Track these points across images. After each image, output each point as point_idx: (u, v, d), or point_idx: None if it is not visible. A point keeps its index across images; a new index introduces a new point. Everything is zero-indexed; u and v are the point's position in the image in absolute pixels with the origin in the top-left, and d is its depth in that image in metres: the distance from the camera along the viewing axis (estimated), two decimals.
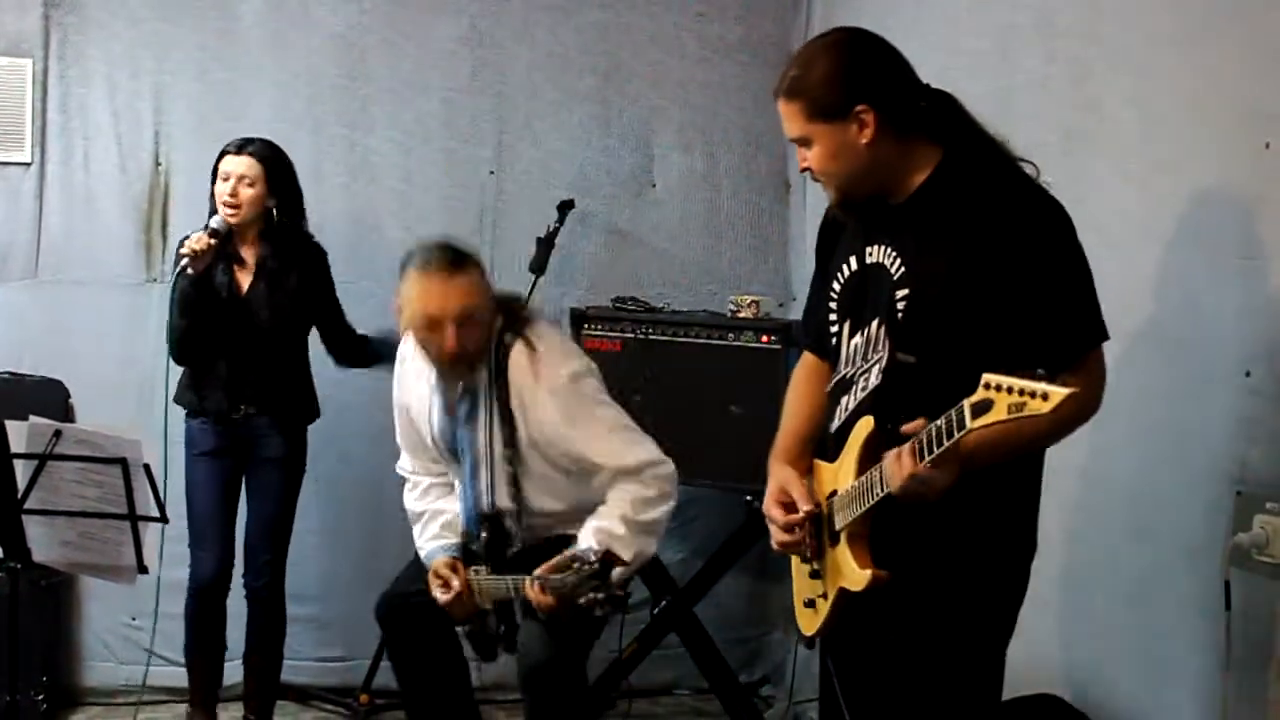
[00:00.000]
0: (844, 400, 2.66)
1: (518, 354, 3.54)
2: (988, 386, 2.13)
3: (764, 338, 4.43)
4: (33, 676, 4.54)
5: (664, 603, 4.74)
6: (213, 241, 4.15)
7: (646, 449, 3.52)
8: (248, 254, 4.33)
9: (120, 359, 4.82)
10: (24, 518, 3.44)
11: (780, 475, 2.76)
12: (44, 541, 3.48)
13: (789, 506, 2.69)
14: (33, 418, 3.45)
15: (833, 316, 2.75)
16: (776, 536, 2.72)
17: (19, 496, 3.41)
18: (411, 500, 3.86)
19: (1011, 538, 2.61)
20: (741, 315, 4.65)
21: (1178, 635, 2.98)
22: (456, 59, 5.17)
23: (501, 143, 5.22)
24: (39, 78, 4.89)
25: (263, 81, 5.05)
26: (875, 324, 2.60)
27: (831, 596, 2.61)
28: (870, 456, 2.49)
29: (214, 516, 4.34)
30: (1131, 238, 3.16)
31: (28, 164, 4.90)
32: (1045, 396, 2.07)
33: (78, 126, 4.94)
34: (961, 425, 2.19)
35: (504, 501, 3.57)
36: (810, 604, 2.71)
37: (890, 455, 2.36)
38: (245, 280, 4.32)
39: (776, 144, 5.38)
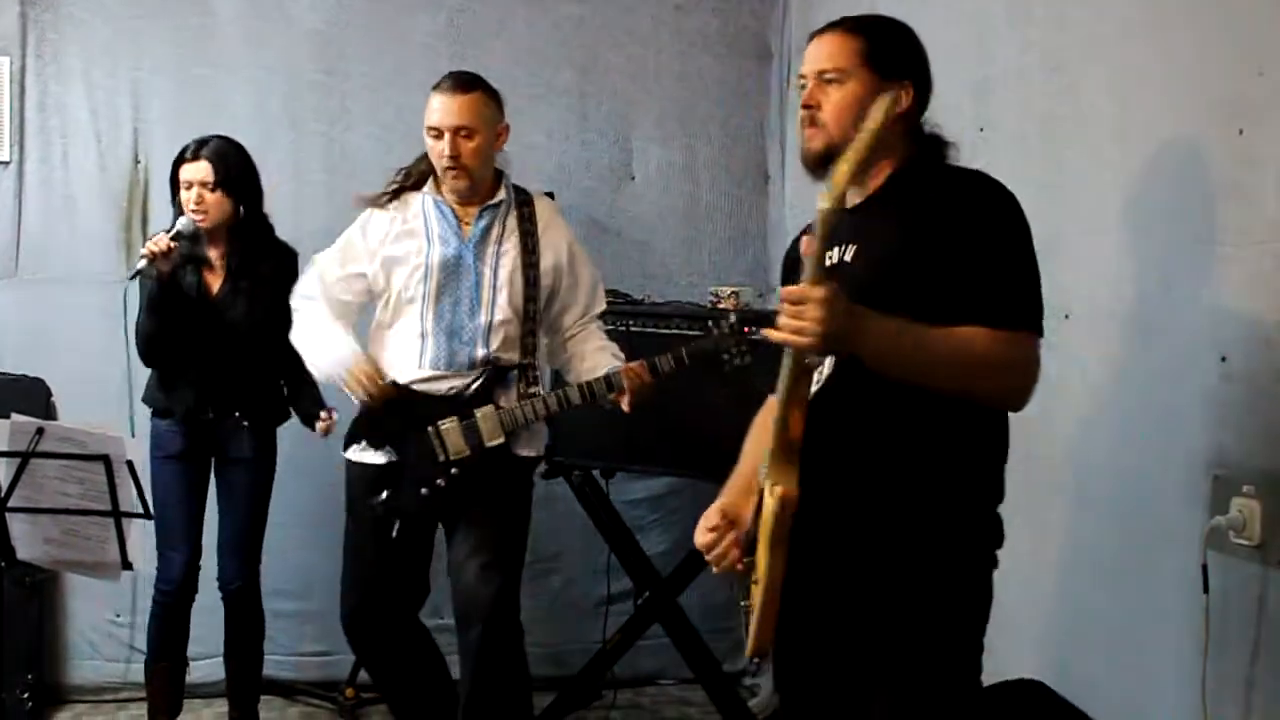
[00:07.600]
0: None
1: (542, 202, 3.86)
2: None
3: (744, 329, 4.42)
4: (18, 675, 4.55)
5: (647, 593, 4.76)
6: (174, 244, 4.06)
7: None
8: (216, 256, 4.26)
9: (101, 356, 4.77)
10: (7, 516, 3.43)
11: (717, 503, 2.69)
12: (28, 539, 3.47)
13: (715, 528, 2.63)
14: (15, 416, 3.44)
15: None
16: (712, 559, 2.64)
17: (2, 495, 3.41)
18: (307, 324, 3.87)
19: (972, 540, 2.49)
20: (722, 306, 4.65)
21: (1157, 619, 3.00)
22: (434, 54, 5.17)
23: None
24: (16, 76, 4.90)
25: (240, 78, 5.05)
26: None
27: (761, 561, 2.45)
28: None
29: (181, 520, 4.26)
30: (1107, 224, 3.18)
31: (6, 163, 4.92)
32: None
33: (56, 124, 4.95)
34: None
35: (510, 354, 3.70)
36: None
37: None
38: (215, 282, 4.25)
39: (755, 136, 5.41)
